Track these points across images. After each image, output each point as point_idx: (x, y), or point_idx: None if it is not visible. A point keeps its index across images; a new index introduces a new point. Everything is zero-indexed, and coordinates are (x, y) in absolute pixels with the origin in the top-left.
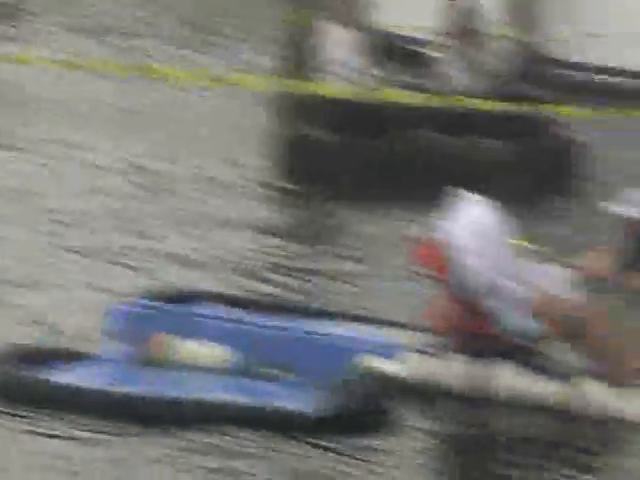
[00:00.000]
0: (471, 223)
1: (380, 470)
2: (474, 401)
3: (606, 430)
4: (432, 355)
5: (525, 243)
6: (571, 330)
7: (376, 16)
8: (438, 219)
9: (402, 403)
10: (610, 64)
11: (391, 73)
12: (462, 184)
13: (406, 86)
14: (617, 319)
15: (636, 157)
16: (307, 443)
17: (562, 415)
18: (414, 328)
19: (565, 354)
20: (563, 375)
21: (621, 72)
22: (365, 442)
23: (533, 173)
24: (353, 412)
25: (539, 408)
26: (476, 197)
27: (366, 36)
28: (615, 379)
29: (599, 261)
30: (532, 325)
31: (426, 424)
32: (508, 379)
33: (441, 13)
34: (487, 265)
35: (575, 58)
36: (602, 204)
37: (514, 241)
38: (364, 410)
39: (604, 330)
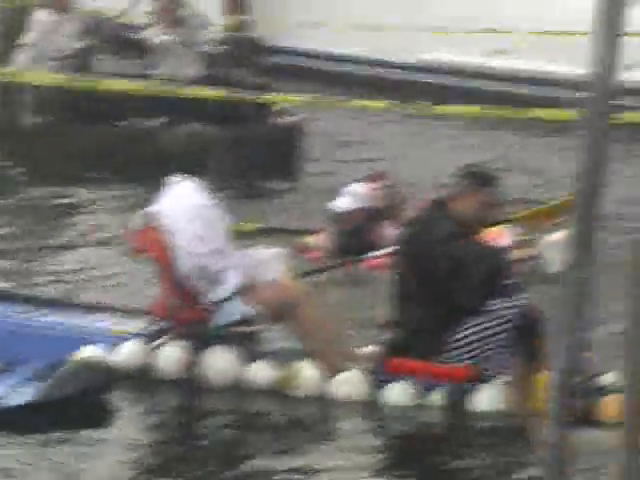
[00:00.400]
0: (186, 207)
1: (97, 462)
2: (191, 388)
3: (321, 411)
4: (151, 342)
5: (241, 226)
6: (284, 313)
7: (93, 2)
8: (156, 205)
9: (121, 392)
10: (335, 51)
11: (111, 60)
12: (181, 170)
13: (124, 74)
14: (327, 303)
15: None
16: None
17: (280, 398)
18: (134, 315)
19: (281, 338)
20: (280, 358)
21: (343, 58)
22: (84, 433)
23: (253, 157)
24: (72, 403)
25: (257, 392)
26: (192, 182)
27: (83, 22)
28: (327, 362)
29: (316, 245)
30: (247, 309)
31: (145, 413)
32: (225, 364)
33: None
34: (202, 249)
35: (295, 45)
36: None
37: (230, 225)
38: (83, 401)
39: (316, 313)
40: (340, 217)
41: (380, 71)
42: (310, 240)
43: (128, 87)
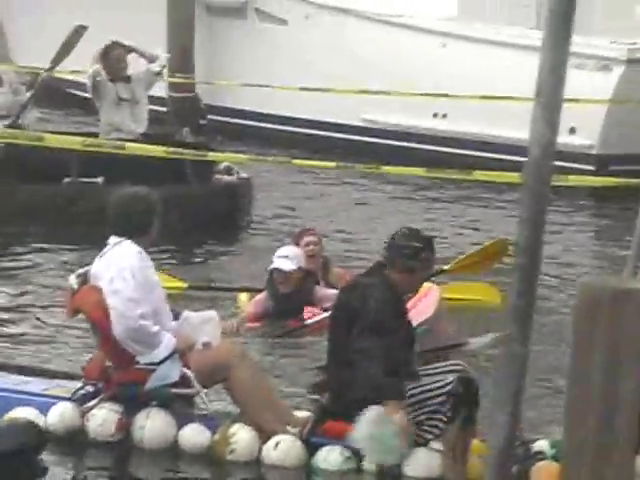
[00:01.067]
0: (122, 268)
1: None
2: (124, 450)
3: (255, 475)
4: (84, 404)
5: (172, 284)
6: (218, 376)
7: (38, 58)
8: (93, 265)
9: (53, 453)
10: (268, 111)
11: (53, 116)
12: (118, 230)
13: (67, 130)
14: (261, 366)
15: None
16: None
17: (214, 462)
18: (68, 376)
19: (216, 400)
20: (214, 421)
21: (280, 119)
22: None
23: (192, 217)
24: (3, 462)
25: (191, 455)
26: (130, 242)
27: (26, 78)
28: (261, 425)
29: (255, 305)
30: (182, 372)
31: (77, 475)
32: (159, 427)
33: (97, 59)
34: (136, 312)
35: (238, 105)
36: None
37: (168, 285)
38: (15, 460)
39: (250, 376)
40: (278, 279)
41: (323, 132)
42: (244, 301)
43: (70, 143)
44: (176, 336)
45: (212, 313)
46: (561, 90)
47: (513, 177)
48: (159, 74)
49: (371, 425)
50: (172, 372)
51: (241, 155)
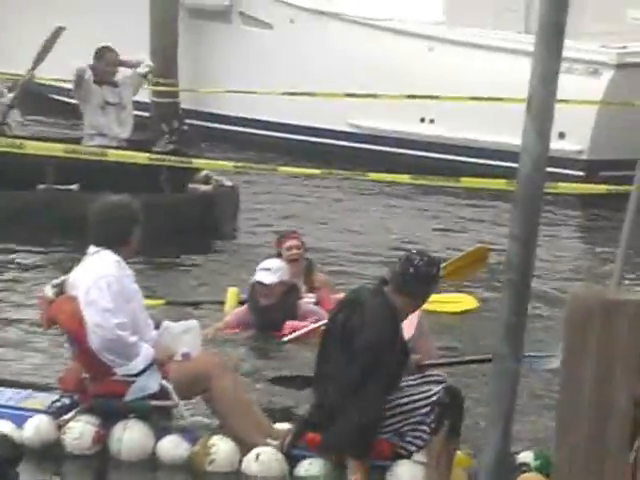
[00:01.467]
0: (98, 278)
1: None
2: (101, 463)
3: None
4: (60, 416)
5: (152, 299)
6: (198, 387)
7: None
8: (70, 275)
9: (29, 467)
10: (253, 116)
11: (35, 121)
12: (97, 239)
13: (49, 135)
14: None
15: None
16: None
17: (194, 474)
18: (44, 388)
19: (195, 412)
20: (193, 433)
21: (265, 124)
22: None
23: (170, 226)
24: None
25: (170, 467)
26: (107, 252)
27: (8, 84)
28: (242, 437)
29: (235, 316)
30: (161, 383)
31: None
32: (137, 439)
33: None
34: (112, 322)
35: (218, 110)
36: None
37: (146, 297)
38: None
39: (230, 387)
40: (260, 292)
41: (309, 138)
42: (227, 313)
43: (51, 150)
44: (155, 346)
45: (193, 322)
46: (552, 102)
47: (501, 184)
48: (146, 76)
49: None
50: (151, 383)
51: (226, 162)
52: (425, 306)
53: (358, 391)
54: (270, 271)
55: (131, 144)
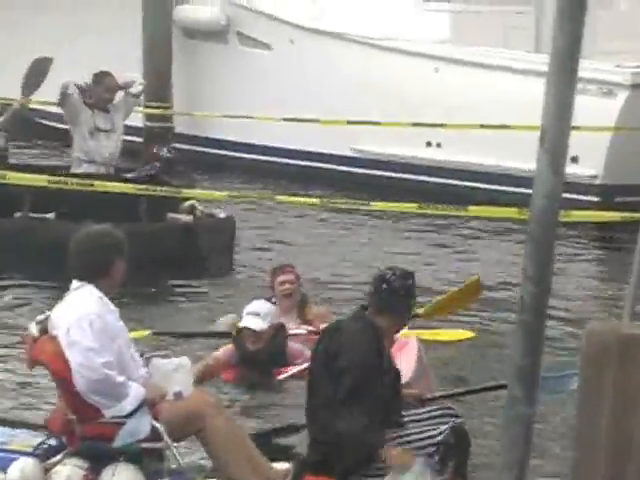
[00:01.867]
0: (79, 317)
1: None
2: None
3: None
4: (47, 459)
5: (136, 332)
6: (191, 428)
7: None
8: (52, 312)
9: None
10: (251, 141)
11: (21, 147)
12: (76, 273)
13: (35, 162)
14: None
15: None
16: None
17: None
18: (30, 429)
19: (189, 454)
20: (188, 476)
21: (264, 150)
22: None
23: (150, 256)
24: None
25: None
26: (91, 287)
27: None
28: (235, 479)
29: (223, 354)
30: (152, 424)
31: None
32: None
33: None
34: (97, 362)
35: (214, 135)
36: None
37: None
38: None
39: (225, 426)
40: (248, 338)
41: (310, 163)
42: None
43: (35, 181)
44: (145, 385)
45: (184, 360)
46: (567, 134)
47: (511, 212)
48: (138, 96)
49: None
50: (142, 426)
51: (217, 192)
52: (421, 337)
53: (341, 411)
54: (259, 317)
55: (120, 171)
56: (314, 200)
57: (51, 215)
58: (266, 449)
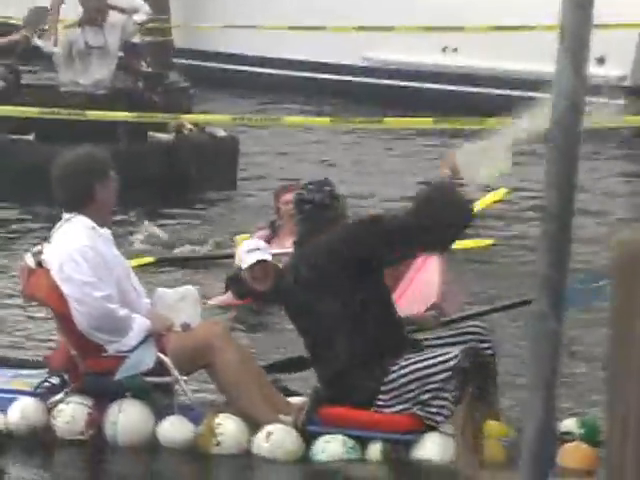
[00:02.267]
0: (73, 250)
1: None
2: (95, 449)
3: (245, 471)
4: (49, 398)
5: (139, 260)
6: (200, 361)
7: None
8: (45, 245)
9: (16, 456)
10: (255, 54)
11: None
12: (62, 203)
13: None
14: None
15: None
16: None
17: (199, 457)
18: (30, 367)
19: (198, 388)
20: (197, 412)
21: (270, 62)
22: None
23: (130, 178)
24: None
25: (172, 451)
26: (81, 217)
27: None
28: (251, 414)
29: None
30: (158, 358)
31: (43, 478)
32: (134, 421)
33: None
34: (95, 295)
35: (215, 48)
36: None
37: (135, 259)
38: None
39: (236, 359)
40: (257, 274)
41: (319, 75)
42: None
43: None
44: (150, 317)
45: (190, 289)
46: (589, 29)
47: None
48: (142, 26)
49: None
50: (146, 358)
51: (220, 116)
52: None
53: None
54: (261, 250)
55: (113, 92)
56: (324, 119)
57: (30, 136)
58: (279, 382)
